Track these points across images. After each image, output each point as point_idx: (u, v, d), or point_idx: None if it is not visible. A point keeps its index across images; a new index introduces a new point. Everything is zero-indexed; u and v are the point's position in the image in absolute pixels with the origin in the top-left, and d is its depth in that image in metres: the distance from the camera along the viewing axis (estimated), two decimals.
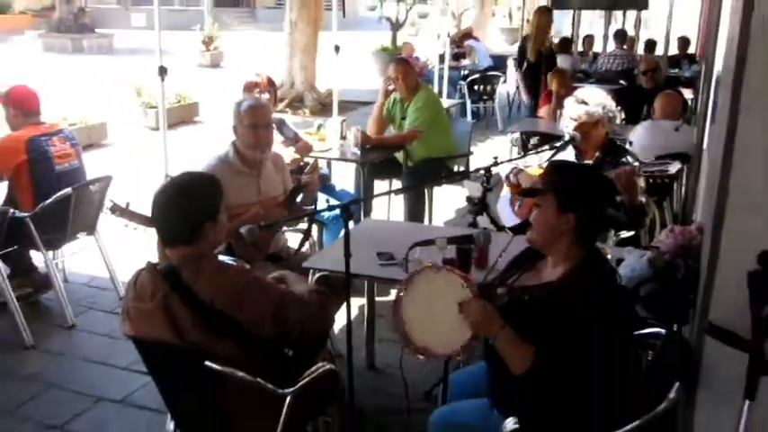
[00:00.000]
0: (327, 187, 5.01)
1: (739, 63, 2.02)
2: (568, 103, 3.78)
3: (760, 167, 2.00)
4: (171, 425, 2.63)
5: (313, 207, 3.93)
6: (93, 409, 3.52)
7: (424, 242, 2.52)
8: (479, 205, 3.54)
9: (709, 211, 2.32)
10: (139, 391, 3.64)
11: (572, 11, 12.23)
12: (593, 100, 3.70)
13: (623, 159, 3.76)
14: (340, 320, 3.36)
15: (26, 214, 4.20)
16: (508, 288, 2.34)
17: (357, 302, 4.07)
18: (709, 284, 2.15)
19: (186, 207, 2.33)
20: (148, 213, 3.03)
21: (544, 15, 8.54)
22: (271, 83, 4.79)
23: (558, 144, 3.82)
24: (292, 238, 4.02)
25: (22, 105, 4.35)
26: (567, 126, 3.75)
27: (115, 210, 3.06)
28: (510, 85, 12.29)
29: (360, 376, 3.53)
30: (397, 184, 5.84)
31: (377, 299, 4.05)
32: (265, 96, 4.57)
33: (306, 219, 3.92)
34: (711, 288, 2.13)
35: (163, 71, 4.29)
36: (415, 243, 2.57)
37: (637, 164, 3.65)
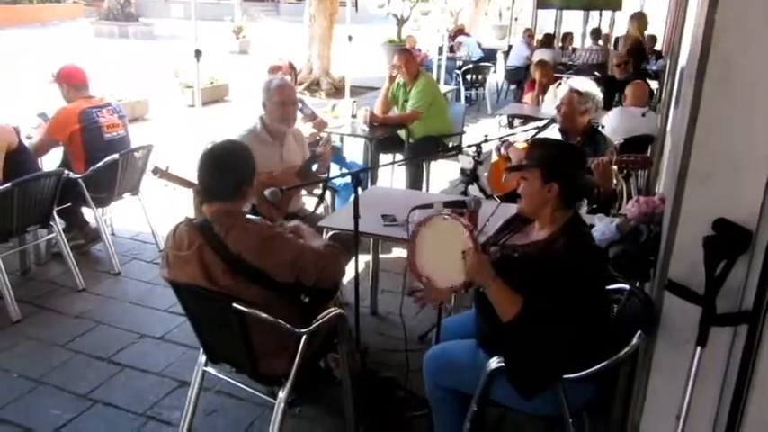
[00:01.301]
0: (339, 158, 4.98)
1: (703, 53, 1.98)
2: (564, 90, 3.72)
3: (717, 145, 1.97)
4: (203, 357, 2.64)
5: (327, 174, 3.91)
6: (136, 343, 3.54)
7: (423, 206, 2.49)
8: (471, 176, 3.52)
9: (671, 184, 2.29)
10: (176, 329, 3.66)
11: (554, 10, 12.06)
12: (586, 90, 3.65)
13: (602, 147, 3.70)
14: (348, 273, 3.36)
15: (79, 176, 4.19)
16: (500, 246, 2.33)
17: (363, 259, 4.05)
18: (669, 246, 2.13)
19: (233, 169, 2.33)
20: (185, 176, 3.04)
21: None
22: (292, 67, 4.75)
23: (541, 124, 3.78)
24: (309, 202, 4.01)
25: (72, 80, 4.31)
26: (556, 99, 3.69)
27: (156, 172, 3.05)
28: (499, 74, 12.17)
29: (364, 321, 3.54)
30: (399, 157, 5.80)
31: (381, 256, 4.05)
32: (288, 78, 4.51)
33: (320, 185, 3.91)
34: (671, 250, 2.10)
35: (198, 54, 4.23)
36: (414, 206, 2.54)
37: (612, 155, 3.59)
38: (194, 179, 2.68)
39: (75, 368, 3.29)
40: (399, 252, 4.72)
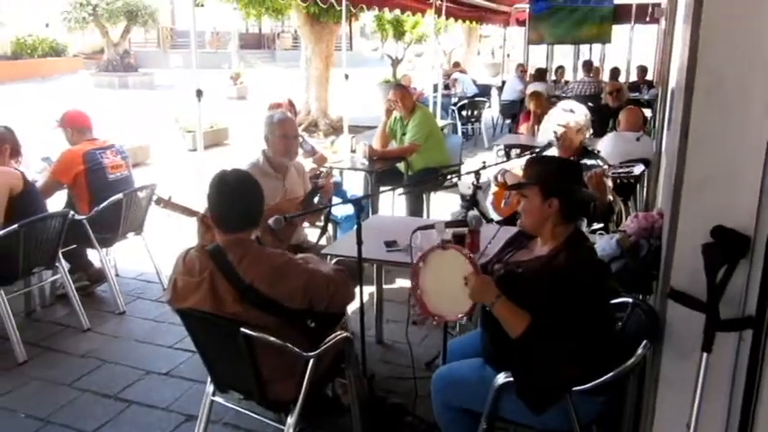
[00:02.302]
0: (340, 192, 5.04)
1: (690, 66, 2.04)
2: (556, 111, 3.81)
3: (710, 153, 2.02)
4: (210, 387, 2.63)
5: (329, 206, 3.96)
6: (142, 380, 3.53)
7: (425, 227, 2.53)
8: (470, 201, 3.56)
9: (668, 196, 2.34)
10: (183, 365, 3.66)
11: (545, 45, 12.32)
12: (577, 110, 3.76)
13: (594, 162, 3.79)
14: (353, 303, 3.38)
15: (83, 217, 4.23)
16: (504, 263, 2.35)
17: (368, 289, 4.08)
18: (669, 257, 2.15)
19: (247, 197, 2.36)
20: (188, 205, 3.08)
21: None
22: (291, 104, 4.85)
23: (537, 149, 3.84)
24: (311, 234, 4.05)
25: (76, 124, 4.39)
26: (550, 131, 3.77)
27: (160, 202, 3.09)
28: (494, 109, 12.36)
29: (370, 349, 3.55)
30: (399, 191, 5.87)
31: (385, 286, 4.07)
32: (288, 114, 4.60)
33: (322, 217, 3.96)
34: (671, 260, 2.13)
35: (200, 93, 4.32)
36: (417, 228, 2.58)
37: (606, 167, 3.67)
38: (197, 208, 2.72)
39: (82, 406, 3.27)
40: (403, 282, 4.74)
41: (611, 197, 3.71)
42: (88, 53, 28.23)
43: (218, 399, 2.65)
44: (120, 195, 4.24)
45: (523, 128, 6.94)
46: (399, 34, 17.87)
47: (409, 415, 2.99)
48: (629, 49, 10.98)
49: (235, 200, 2.33)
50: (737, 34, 1.95)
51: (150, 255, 4.71)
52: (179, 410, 3.22)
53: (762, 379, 1.99)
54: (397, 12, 9.50)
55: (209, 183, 2.39)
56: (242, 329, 2.20)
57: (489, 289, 2.12)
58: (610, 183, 3.71)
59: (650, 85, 10.92)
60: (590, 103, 8.94)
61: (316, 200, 3.78)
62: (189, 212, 2.95)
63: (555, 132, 3.67)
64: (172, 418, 3.16)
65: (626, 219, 3.88)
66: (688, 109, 2.08)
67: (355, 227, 2.84)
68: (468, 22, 12.32)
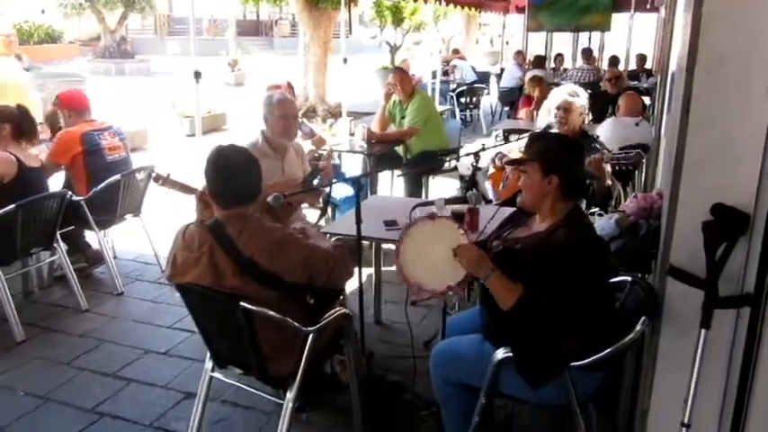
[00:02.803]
0: (339, 174, 5.02)
1: (692, 45, 2.04)
2: (557, 93, 3.82)
3: (710, 132, 2.02)
4: (209, 364, 2.64)
5: (328, 188, 3.96)
6: (141, 359, 3.54)
7: (424, 203, 2.54)
8: (470, 182, 3.56)
9: (668, 176, 2.34)
10: (182, 344, 3.67)
11: (544, 33, 12.28)
12: (581, 93, 3.78)
13: (594, 146, 3.80)
14: (352, 283, 3.38)
15: (81, 198, 4.22)
16: (502, 240, 2.36)
17: (366, 271, 4.09)
18: (669, 235, 2.16)
19: (245, 172, 2.35)
20: (186, 182, 3.08)
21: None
22: (290, 86, 4.83)
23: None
24: (310, 215, 4.05)
25: (73, 105, 4.37)
26: (552, 113, 3.79)
27: (158, 179, 3.09)
28: (492, 96, 12.33)
29: (368, 329, 3.57)
30: (398, 172, 5.88)
31: (383, 268, 4.07)
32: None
33: (321, 199, 3.95)
34: (671, 238, 2.13)
35: (198, 75, 4.30)
36: (416, 204, 2.58)
37: (605, 152, 3.68)
38: (195, 186, 2.71)
39: (81, 384, 3.28)
40: None
41: (609, 182, 3.72)
42: (84, 40, 28.06)
43: (217, 375, 2.65)
44: (117, 177, 4.23)
45: (522, 113, 6.93)
46: (398, 21, 17.81)
47: (408, 392, 3.00)
48: (629, 38, 10.93)
49: (232, 175, 2.32)
50: (739, 14, 1.95)
51: (148, 236, 4.70)
52: (178, 388, 3.23)
53: (759, 356, 2.00)
54: None
55: (205, 158, 2.38)
56: (241, 303, 2.20)
57: (484, 262, 2.12)
58: (609, 168, 3.72)
59: (649, 73, 10.90)
60: (589, 91, 8.98)
61: (315, 182, 3.78)
62: (187, 189, 2.95)
63: (557, 107, 3.69)
64: (171, 395, 3.17)
65: (623, 201, 3.90)
66: (689, 88, 2.08)
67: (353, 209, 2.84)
68: (467, 8, 12.26)
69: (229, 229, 2.27)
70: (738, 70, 1.95)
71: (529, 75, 7.37)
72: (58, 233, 4.01)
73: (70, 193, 4.04)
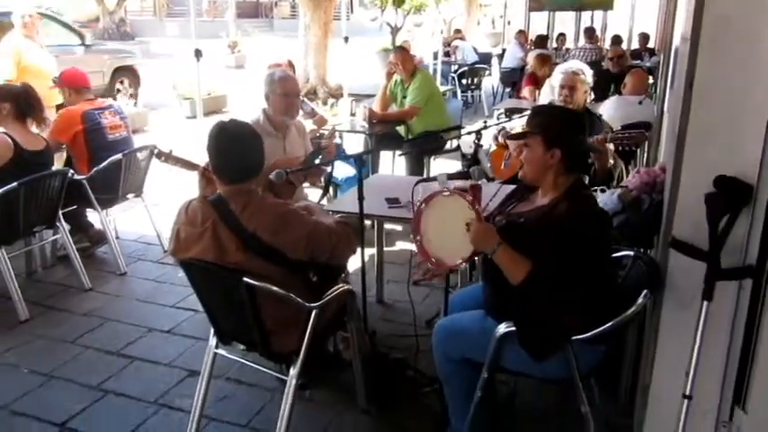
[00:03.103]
0: (341, 155, 5.01)
1: (697, 14, 2.02)
2: (561, 70, 3.80)
3: (714, 103, 2.01)
4: (213, 340, 2.65)
5: (330, 168, 3.95)
6: (144, 337, 3.55)
7: (427, 179, 2.53)
8: (472, 160, 3.55)
9: (671, 149, 2.33)
10: (185, 323, 3.68)
11: (546, 12, 12.19)
12: (586, 71, 3.77)
13: (597, 127, 3.78)
14: (354, 262, 3.39)
15: (83, 177, 4.22)
16: (505, 215, 2.35)
17: (368, 251, 4.10)
18: (671, 207, 2.16)
19: (252, 148, 2.34)
20: (189, 158, 3.07)
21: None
22: (291, 65, 4.81)
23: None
24: (312, 194, 4.05)
25: (74, 83, 4.36)
26: (553, 91, 3.78)
27: (161, 155, 3.08)
28: (494, 77, 12.27)
29: (371, 308, 3.56)
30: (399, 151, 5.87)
31: (385, 248, 4.08)
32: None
33: (323, 179, 3.95)
34: (674, 210, 2.14)
35: (198, 53, 4.28)
36: (418, 180, 2.58)
37: (608, 132, 3.66)
38: (198, 162, 2.70)
39: (86, 362, 3.30)
40: (403, 244, 4.76)
41: (612, 161, 3.71)
42: (83, 21, 27.81)
43: (221, 351, 2.67)
44: (119, 156, 4.23)
45: (526, 91, 6.89)
46: (399, 1, 17.64)
47: (411, 369, 3.02)
48: (632, 16, 10.85)
49: (235, 150, 2.31)
50: None
51: (150, 216, 4.71)
52: (182, 366, 3.25)
53: (760, 327, 2.01)
54: None
55: (207, 134, 2.37)
56: (244, 279, 2.21)
57: (491, 235, 2.12)
58: (612, 147, 3.71)
59: (652, 52, 10.81)
60: (591, 70, 8.94)
61: (317, 161, 3.76)
62: (190, 166, 2.95)
63: (561, 85, 3.67)
64: (175, 373, 3.19)
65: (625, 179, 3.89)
66: (693, 59, 2.07)
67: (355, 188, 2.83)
68: None
69: (232, 204, 2.27)
70: (744, 37, 1.93)
71: (534, 53, 7.31)
72: (60, 212, 4.01)
73: (72, 171, 4.04)
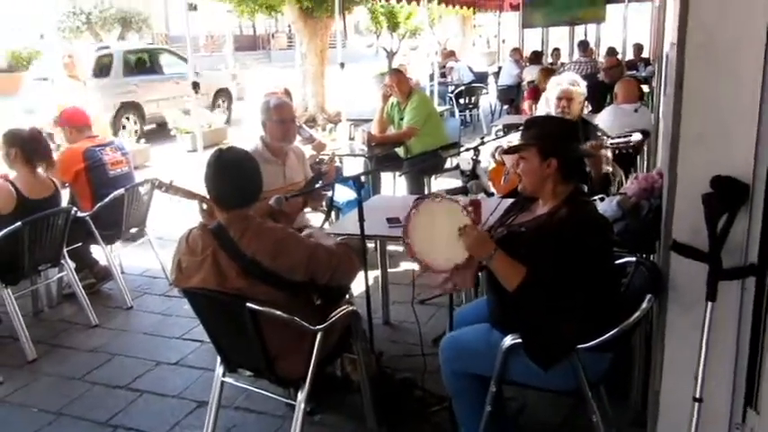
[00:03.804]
0: (340, 179, 5.04)
1: (682, 21, 2.05)
2: (556, 82, 3.84)
3: (705, 105, 2.02)
4: (220, 369, 2.64)
5: (331, 192, 3.98)
6: (152, 370, 3.55)
7: (426, 196, 2.54)
8: (470, 176, 3.57)
9: (666, 153, 2.34)
10: (192, 355, 3.68)
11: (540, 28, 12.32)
12: (580, 82, 3.81)
13: (593, 135, 3.80)
14: (359, 285, 3.40)
15: (86, 214, 4.25)
16: (506, 226, 2.36)
17: (372, 274, 4.09)
18: (670, 211, 2.16)
19: (246, 174, 2.37)
20: (190, 188, 3.10)
21: None
22: (287, 92, 4.85)
23: None
24: (314, 219, 4.06)
25: (74, 122, 4.42)
26: (549, 104, 3.82)
27: (161, 186, 3.11)
28: (491, 95, 12.35)
29: (377, 330, 3.55)
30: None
31: (389, 270, 4.08)
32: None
33: (325, 203, 3.97)
34: (673, 213, 2.14)
35: (196, 85, 4.34)
36: (417, 197, 2.58)
37: (604, 138, 3.68)
38: (199, 191, 2.73)
39: (94, 398, 3.29)
40: (407, 265, 4.75)
41: (609, 168, 3.72)
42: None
43: (228, 380, 2.66)
44: (121, 191, 4.26)
45: (527, 104, 6.93)
46: (393, 26, 17.88)
47: (419, 389, 3.00)
48: (624, 28, 10.95)
49: (232, 176, 2.34)
50: None
51: (155, 250, 4.73)
52: (190, 397, 3.24)
53: (767, 325, 2.00)
54: (391, 0, 9.49)
55: (206, 163, 2.40)
56: (248, 305, 2.21)
57: (487, 242, 2.13)
58: (609, 154, 3.72)
59: (647, 62, 10.90)
60: (586, 83, 8.99)
61: (318, 185, 3.79)
62: (191, 195, 2.97)
63: (560, 101, 3.71)
64: (184, 405, 3.18)
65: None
66: (681, 63, 2.09)
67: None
68: (461, 8, 12.29)
69: (231, 231, 2.29)
70: (727, 40, 1.95)
71: (537, 68, 7.40)
72: (65, 250, 4.03)
73: (75, 209, 4.07)
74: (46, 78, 8.00)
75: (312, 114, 12.70)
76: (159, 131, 11.65)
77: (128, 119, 11.19)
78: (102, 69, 10.94)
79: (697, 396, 1.96)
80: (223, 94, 13.30)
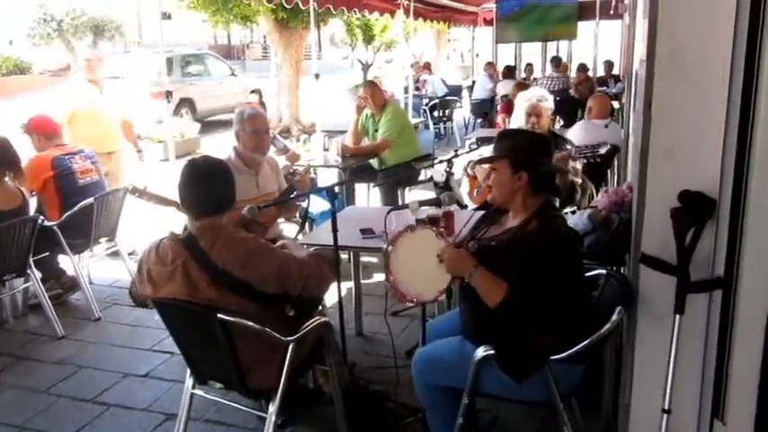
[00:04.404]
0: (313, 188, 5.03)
1: (651, 36, 2.09)
2: (524, 97, 3.88)
3: (673, 120, 2.06)
4: (190, 381, 2.60)
5: (306, 203, 3.96)
6: (120, 383, 3.48)
7: (399, 207, 2.55)
8: (444, 188, 3.57)
9: (636, 167, 2.38)
10: (162, 366, 3.62)
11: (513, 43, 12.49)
12: (548, 97, 3.86)
13: (564, 147, 3.86)
14: (332, 296, 3.39)
15: (54, 223, 4.17)
16: (477, 240, 2.37)
17: (346, 285, 4.08)
18: (639, 224, 2.19)
19: (218, 183, 2.36)
20: (164, 194, 3.06)
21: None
22: (261, 103, 4.83)
23: None
24: (287, 230, 4.04)
25: (42, 130, 4.35)
26: (522, 117, 3.86)
27: (135, 191, 3.07)
28: (465, 109, 12.46)
29: (350, 342, 3.55)
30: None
31: (363, 281, 4.08)
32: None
33: (298, 214, 3.96)
34: (642, 226, 2.17)
35: (169, 94, 4.30)
36: (390, 208, 2.60)
37: (573, 149, 3.73)
38: (173, 198, 2.70)
39: (59, 412, 3.21)
40: (380, 276, 4.74)
41: (579, 180, 3.77)
42: (54, 70, 27.80)
43: (198, 392, 2.62)
44: (90, 200, 4.19)
45: (500, 118, 7.01)
46: (369, 39, 17.95)
47: (392, 401, 2.99)
48: (595, 45, 11.16)
49: (204, 183, 2.33)
50: (696, 2, 2.00)
51: (125, 260, 4.65)
52: (159, 410, 3.18)
53: (733, 338, 2.04)
54: (366, 13, 9.53)
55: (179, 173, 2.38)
56: (219, 315, 2.19)
57: (466, 259, 2.14)
58: (579, 165, 3.77)
59: (617, 79, 11.08)
60: (558, 98, 9.13)
61: (292, 196, 3.77)
62: (165, 202, 2.94)
63: (528, 113, 3.75)
64: (152, 417, 3.12)
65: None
66: (651, 79, 2.13)
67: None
68: (436, 22, 12.41)
69: (202, 242, 2.27)
70: (696, 56, 2.00)
71: (512, 82, 7.50)
72: (31, 260, 3.94)
73: (42, 217, 3.99)
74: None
75: (287, 125, 12.68)
76: None
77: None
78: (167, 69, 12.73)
79: (666, 407, 1.99)
80: (186, 103, 13.55)
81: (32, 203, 4.38)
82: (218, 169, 2.37)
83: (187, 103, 13.53)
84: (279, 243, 2.72)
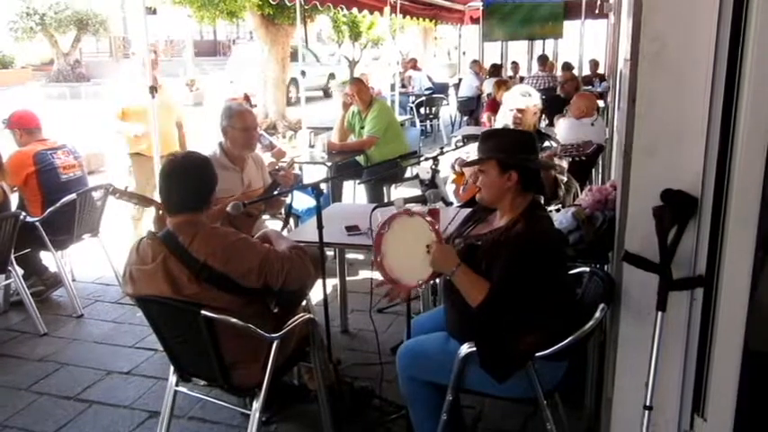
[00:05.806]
0: (298, 185, 5.01)
1: (635, 34, 2.10)
2: (513, 95, 3.88)
3: (657, 118, 2.08)
4: (173, 378, 2.59)
5: (290, 198, 3.96)
6: (103, 380, 3.45)
7: (384, 204, 2.55)
8: (429, 185, 3.58)
9: (619, 165, 2.40)
10: (145, 363, 3.59)
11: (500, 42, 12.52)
12: (533, 93, 3.85)
13: (547, 144, 3.88)
14: (317, 294, 3.37)
15: (36, 219, 4.12)
16: (463, 238, 2.37)
17: (331, 282, 4.09)
18: (623, 222, 2.21)
19: (199, 178, 2.34)
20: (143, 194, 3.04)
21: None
22: (247, 98, 4.80)
23: None
24: (272, 226, 4.02)
25: (24, 124, 4.29)
26: (508, 115, 3.86)
27: (116, 192, 3.04)
28: (451, 107, 12.49)
29: (335, 338, 3.52)
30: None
31: (348, 278, 4.07)
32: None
33: (283, 210, 3.94)
34: (625, 224, 2.18)
35: (153, 89, 4.26)
36: (376, 205, 2.59)
37: (558, 147, 3.75)
38: (153, 197, 2.68)
39: (41, 409, 3.18)
40: (366, 273, 4.74)
41: (564, 177, 3.79)
42: (37, 65, 27.50)
43: (182, 389, 2.61)
44: (73, 196, 4.14)
45: (486, 116, 7.02)
46: (355, 35, 17.92)
47: (376, 398, 2.99)
48: (581, 44, 11.22)
49: (182, 179, 2.31)
50: (679, 2, 2.02)
51: (108, 257, 4.61)
52: (142, 407, 3.16)
53: (714, 335, 2.06)
54: (354, 10, 9.52)
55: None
56: (202, 312, 2.18)
57: (451, 257, 2.14)
58: (564, 163, 3.79)
59: (602, 78, 11.17)
60: (543, 97, 9.17)
61: (276, 192, 3.76)
62: (145, 201, 2.92)
63: (513, 112, 3.75)
64: (135, 415, 3.10)
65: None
66: (634, 77, 2.14)
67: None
68: (423, 20, 12.42)
69: (181, 237, 2.25)
70: (679, 55, 2.01)
71: (492, 80, 7.49)
72: (12, 256, 3.90)
73: (24, 214, 3.94)
74: None
75: (273, 122, 12.63)
76: None
77: None
78: None
79: (647, 404, 2.00)
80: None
81: (14, 199, 4.34)
82: (196, 165, 2.36)
83: None
84: (260, 233, 2.70)
